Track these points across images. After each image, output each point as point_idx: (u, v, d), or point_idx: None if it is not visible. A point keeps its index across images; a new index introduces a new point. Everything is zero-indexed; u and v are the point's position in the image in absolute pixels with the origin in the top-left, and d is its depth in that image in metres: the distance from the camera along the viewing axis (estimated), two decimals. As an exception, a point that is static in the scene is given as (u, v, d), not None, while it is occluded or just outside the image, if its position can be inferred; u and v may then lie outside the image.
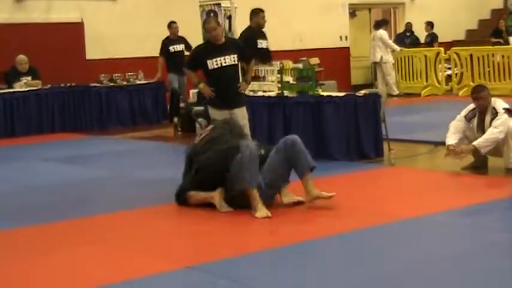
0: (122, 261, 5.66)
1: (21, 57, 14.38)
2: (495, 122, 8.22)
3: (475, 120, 8.45)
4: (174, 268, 5.38)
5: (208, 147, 7.33)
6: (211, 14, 12.63)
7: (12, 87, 14.14)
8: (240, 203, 6.91)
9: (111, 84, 15.14)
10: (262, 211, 6.72)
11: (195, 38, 12.90)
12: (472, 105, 8.51)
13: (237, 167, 6.89)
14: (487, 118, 8.33)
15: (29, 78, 14.33)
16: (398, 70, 19.32)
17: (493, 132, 8.20)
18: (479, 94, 8.42)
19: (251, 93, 10.31)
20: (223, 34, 8.93)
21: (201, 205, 7.19)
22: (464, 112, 8.56)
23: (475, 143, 8.24)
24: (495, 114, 8.28)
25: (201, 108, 11.40)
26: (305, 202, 7.06)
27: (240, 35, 11.56)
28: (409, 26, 20.94)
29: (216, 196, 7.08)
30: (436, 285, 4.81)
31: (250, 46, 10.57)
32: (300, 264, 5.39)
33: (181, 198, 7.32)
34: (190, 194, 7.26)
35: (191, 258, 5.67)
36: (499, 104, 8.37)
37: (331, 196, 7.02)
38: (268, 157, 7.10)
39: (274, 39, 17.77)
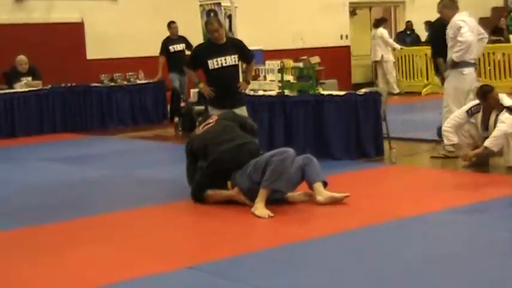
0: (122, 261, 5.65)
1: (21, 58, 14.37)
2: (501, 117, 8.19)
3: (479, 116, 8.43)
4: (174, 268, 5.37)
5: (221, 139, 7.34)
6: (212, 14, 12.63)
7: (12, 88, 14.14)
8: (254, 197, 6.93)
9: (112, 84, 15.15)
10: (263, 210, 6.73)
11: (196, 38, 12.91)
12: (476, 101, 8.50)
13: (263, 163, 6.92)
14: (493, 115, 8.31)
15: (29, 78, 14.32)
16: (398, 69, 19.34)
17: (501, 128, 8.14)
18: (491, 94, 8.36)
19: (251, 93, 10.31)
20: (224, 34, 8.94)
21: (203, 204, 7.25)
22: (467, 107, 8.53)
23: (485, 143, 8.17)
24: (502, 109, 8.25)
25: (201, 107, 11.41)
26: (317, 201, 7.05)
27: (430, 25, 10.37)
28: (409, 24, 20.94)
29: (237, 196, 7.13)
30: (437, 283, 4.80)
31: (441, 40, 9.66)
32: (302, 263, 5.39)
33: (199, 197, 7.34)
34: (208, 193, 7.27)
35: (192, 258, 5.66)
36: (506, 100, 8.36)
37: (345, 197, 7.05)
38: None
39: (275, 38, 17.90)
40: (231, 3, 12.99)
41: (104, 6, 16.75)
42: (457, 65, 9.19)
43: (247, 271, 5.25)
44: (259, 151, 7.38)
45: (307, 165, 7.13)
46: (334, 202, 6.99)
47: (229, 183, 7.22)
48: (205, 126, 7.60)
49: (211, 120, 7.66)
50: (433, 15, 10.13)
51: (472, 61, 9.34)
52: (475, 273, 5.03)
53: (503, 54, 17.46)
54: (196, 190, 7.36)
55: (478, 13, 22.89)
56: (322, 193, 7.03)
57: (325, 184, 7.12)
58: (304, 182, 7.22)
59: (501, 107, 8.26)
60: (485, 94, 8.36)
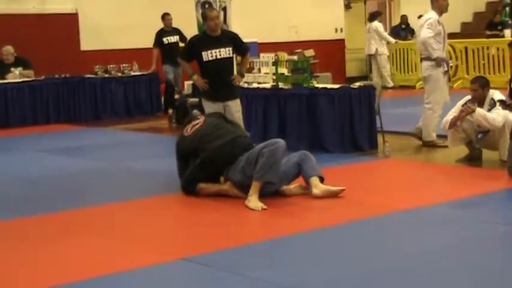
0: (117, 253, 5.66)
1: (6, 49, 14.11)
2: (496, 110, 8.27)
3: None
4: (169, 260, 5.38)
5: (213, 136, 7.34)
6: (207, 6, 12.60)
7: (4, 79, 14.02)
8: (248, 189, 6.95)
9: (106, 75, 15.10)
10: (256, 203, 6.74)
11: (190, 30, 12.88)
12: (468, 97, 8.58)
13: (254, 156, 6.95)
14: (484, 109, 8.35)
15: (20, 68, 14.19)
16: (393, 62, 19.34)
17: (495, 114, 8.21)
18: (471, 86, 8.61)
19: (246, 85, 10.30)
20: (220, 26, 8.92)
21: (196, 196, 7.25)
22: (462, 101, 8.62)
23: (478, 108, 8.27)
24: (493, 105, 8.32)
25: (195, 99, 11.39)
26: (313, 194, 7.07)
27: None
28: (404, 18, 20.93)
29: (230, 190, 7.17)
30: (431, 276, 4.82)
31: None
32: (297, 256, 5.41)
33: (190, 189, 7.34)
34: (201, 186, 7.29)
35: (187, 249, 5.67)
36: (497, 95, 8.43)
37: (341, 190, 7.07)
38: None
39: (270, 30, 17.87)
40: (226, -4, 12.96)
41: (99, -2, 16.71)
42: None
43: (241, 263, 5.25)
44: (251, 144, 7.38)
45: (304, 161, 7.16)
46: (330, 195, 7.01)
47: (221, 178, 7.23)
48: (193, 128, 7.56)
49: (197, 121, 7.64)
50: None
51: None
52: (468, 265, 5.05)
53: (498, 49, 17.46)
54: (187, 182, 7.36)
55: (473, 8, 22.95)
56: (318, 186, 7.05)
57: (321, 179, 7.14)
58: (300, 177, 7.24)
59: (493, 101, 8.32)
60: (471, 84, 8.57)
